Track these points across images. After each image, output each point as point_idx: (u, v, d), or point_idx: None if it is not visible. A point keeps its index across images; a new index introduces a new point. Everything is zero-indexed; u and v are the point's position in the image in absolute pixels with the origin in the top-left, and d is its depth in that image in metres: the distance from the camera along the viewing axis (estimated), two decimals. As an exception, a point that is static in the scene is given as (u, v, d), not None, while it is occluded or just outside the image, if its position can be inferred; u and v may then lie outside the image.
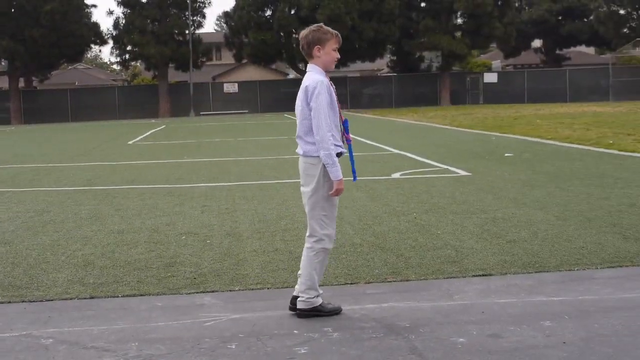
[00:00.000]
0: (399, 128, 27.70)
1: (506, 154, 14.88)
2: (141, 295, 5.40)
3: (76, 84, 67.79)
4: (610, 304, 4.83)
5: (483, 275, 5.64)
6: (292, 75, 65.60)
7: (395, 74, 59.47)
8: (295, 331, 4.48)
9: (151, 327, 4.65)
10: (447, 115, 35.09)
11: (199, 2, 55.58)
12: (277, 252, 6.59)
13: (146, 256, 6.59)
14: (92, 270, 6.15)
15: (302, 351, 4.15)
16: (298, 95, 4.75)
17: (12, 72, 52.63)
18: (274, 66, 64.87)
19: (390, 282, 5.56)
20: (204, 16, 56.29)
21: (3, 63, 55.48)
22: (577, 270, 5.72)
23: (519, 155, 14.60)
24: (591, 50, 71.54)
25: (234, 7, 55.21)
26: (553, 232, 7.03)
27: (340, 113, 4.75)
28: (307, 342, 4.29)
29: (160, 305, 5.15)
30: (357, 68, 62.24)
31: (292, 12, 52.17)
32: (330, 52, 4.74)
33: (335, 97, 4.72)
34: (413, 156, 15.42)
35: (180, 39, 54.35)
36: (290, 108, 54.65)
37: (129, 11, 53.74)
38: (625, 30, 55.32)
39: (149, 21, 53.41)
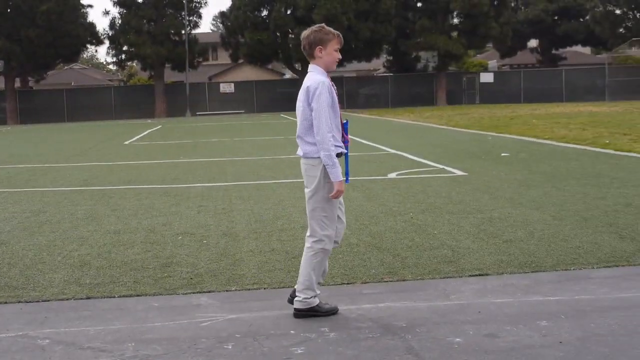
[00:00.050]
0: (396, 128, 27.71)
1: (502, 154, 14.90)
2: (137, 295, 5.39)
3: (72, 84, 67.69)
4: (607, 304, 4.84)
5: (479, 275, 5.65)
6: (288, 75, 65.59)
7: (391, 74, 59.48)
8: (291, 331, 4.48)
9: (148, 328, 4.65)
10: (443, 115, 35.11)
11: (195, 2, 55.58)
12: (274, 252, 6.59)
13: (142, 256, 6.59)
14: (88, 270, 6.14)
15: (299, 351, 4.15)
16: (299, 95, 4.75)
17: (8, 72, 52.51)
18: (270, 66, 64.83)
19: (387, 282, 5.56)
20: (200, 16, 56.35)
21: (-1, 63, 55.47)
22: (574, 270, 5.73)
23: (515, 155, 14.62)
24: (587, 50, 71.66)
25: (230, 7, 55.20)
26: (549, 232, 7.04)
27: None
28: (303, 342, 4.29)
29: (156, 305, 5.15)
30: (353, 68, 62.25)
31: (289, 12, 52.17)
32: (331, 52, 4.74)
33: (336, 98, 4.73)
34: (409, 156, 15.43)
35: (177, 39, 54.33)
36: (287, 108, 54.52)
37: (125, 11, 53.71)
38: (621, 30, 55.41)
39: (145, 21, 53.41)
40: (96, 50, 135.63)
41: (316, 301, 4.73)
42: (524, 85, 54.97)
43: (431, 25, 52.87)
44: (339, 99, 4.78)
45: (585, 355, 3.95)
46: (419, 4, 55.23)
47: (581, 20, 60.23)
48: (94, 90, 60.24)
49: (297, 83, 55.71)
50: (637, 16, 55.03)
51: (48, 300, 5.32)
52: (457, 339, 4.24)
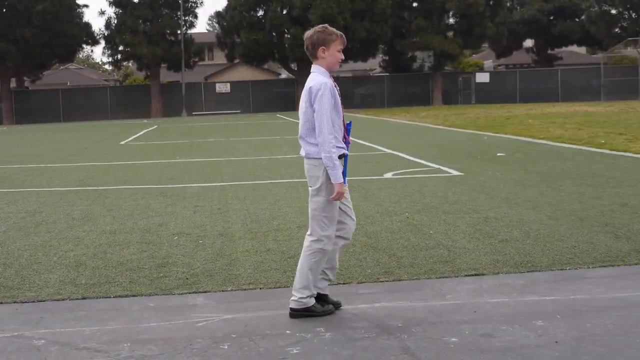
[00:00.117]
0: (391, 128, 27.72)
1: (498, 154, 14.91)
2: (133, 295, 5.39)
3: (68, 84, 67.58)
4: (602, 304, 4.84)
5: (475, 274, 5.65)
6: (284, 75, 65.60)
7: (387, 74, 59.53)
8: (287, 331, 4.48)
9: (143, 328, 4.65)
10: (439, 115, 35.14)
11: (191, 2, 55.55)
12: (270, 252, 6.58)
13: (138, 257, 6.58)
14: (84, 270, 6.14)
15: (295, 351, 4.14)
16: (301, 96, 4.75)
17: (3, 73, 52.45)
18: (266, 66, 64.86)
19: (383, 282, 5.56)
20: (195, 16, 56.32)
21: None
22: (569, 269, 5.73)
23: (511, 155, 14.63)
24: (583, 50, 71.76)
25: (226, 7, 55.17)
26: (545, 232, 7.05)
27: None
28: (299, 342, 4.29)
29: (152, 305, 5.14)
30: (349, 68, 62.22)
31: (284, 12, 52.15)
32: (334, 53, 4.74)
33: (339, 99, 4.72)
34: (405, 156, 15.43)
35: (172, 39, 54.30)
36: (283, 108, 54.55)
37: (120, 11, 53.66)
38: (616, 30, 55.50)
39: (140, 21, 53.34)
40: (92, 51, 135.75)
41: (312, 301, 4.73)
42: (519, 85, 55.05)
43: (427, 25, 52.92)
44: (338, 98, 4.77)
45: (581, 355, 3.95)
46: (414, 4, 55.25)
47: (577, 20, 60.32)
48: (89, 90, 60.17)
49: (293, 83, 55.77)
50: (633, 16, 55.14)
51: (44, 301, 5.31)
52: (453, 339, 4.24)
